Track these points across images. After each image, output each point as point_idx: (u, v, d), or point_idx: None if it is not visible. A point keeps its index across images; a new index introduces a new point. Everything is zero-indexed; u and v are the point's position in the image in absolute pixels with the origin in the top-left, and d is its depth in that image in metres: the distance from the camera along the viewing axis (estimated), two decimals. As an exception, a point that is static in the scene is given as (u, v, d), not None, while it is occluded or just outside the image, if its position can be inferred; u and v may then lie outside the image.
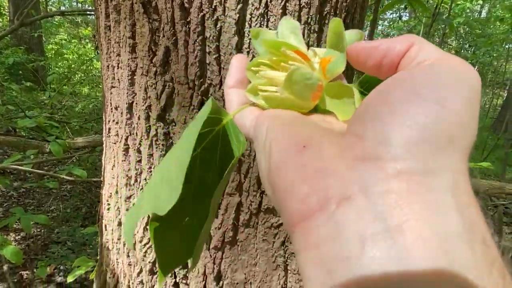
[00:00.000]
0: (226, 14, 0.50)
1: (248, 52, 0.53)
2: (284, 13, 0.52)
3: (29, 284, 1.72)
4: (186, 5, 0.49)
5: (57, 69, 6.03)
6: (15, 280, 1.71)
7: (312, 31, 0.56)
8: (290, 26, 0.27)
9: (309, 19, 0.54)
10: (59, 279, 1.78)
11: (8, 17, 5.87)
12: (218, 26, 0.51)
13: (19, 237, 2.16)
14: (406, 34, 0.20)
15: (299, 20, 0.53)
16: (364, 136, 0.17)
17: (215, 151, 0.28)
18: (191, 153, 0.22)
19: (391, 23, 8.24)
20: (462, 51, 7.92)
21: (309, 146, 0.18)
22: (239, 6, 0.50)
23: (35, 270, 1.76)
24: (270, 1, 0.51)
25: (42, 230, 2.23)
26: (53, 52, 6.54)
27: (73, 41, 7.37)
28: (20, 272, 1.79)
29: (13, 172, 2.97)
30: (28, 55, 5.27)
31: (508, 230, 2.97)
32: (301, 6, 0.53)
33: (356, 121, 0.18)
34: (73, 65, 6.32)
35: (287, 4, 0.52)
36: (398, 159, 0.15)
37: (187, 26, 0.51)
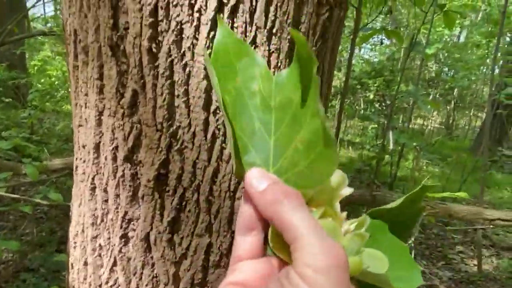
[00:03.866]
0: (195, 59, 0.50)
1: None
2: (253, 58, 0.52)
3: (-3, 314, 1.64)
4: (154, 50, 0.49)
5: (39, 85, 5.94)
6: (-18, 310, 1.63)
7: (282, 75, 0.56)
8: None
9: (279, 64, 0.55)
10: (29, 309, 1.70)
11: (-9, 33, 5.79)
12: (187, 70, 0.51)
13: (-11, 263, 2.08)
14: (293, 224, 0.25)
15: (268, 64, 0.54)
16: None
17: None
18: None
19: (373, 46, 8.48)
20: (442, 74, 8.17)
21: None
22: (208, 51, 0.50)
23: (3, 300, 1.68)
24: (239, 47, 0.52)
25: (15, 256, 2.14)
26: (36, 68, 6.46)
27: (57, 57, 7.31)
28: (-13, 302, 1.71)
29: (-13, 193, 2.87)
30: (9, 72, 5.18)
31: (487, 253, 3.00)
32: (271, 52, 0.53)
33: None
34: (56, 82, 6.25)
35: (256, 49, 0.52)
36: None
37: (155, 70, 0.50)
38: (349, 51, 1.54)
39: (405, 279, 0.31)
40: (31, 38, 6.11)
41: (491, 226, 2.28)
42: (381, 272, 0.28)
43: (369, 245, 0.29)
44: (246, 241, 0.28)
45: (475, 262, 2.78)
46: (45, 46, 7.40)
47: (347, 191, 0.30)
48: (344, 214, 0.30)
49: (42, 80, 6.34)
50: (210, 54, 0.31)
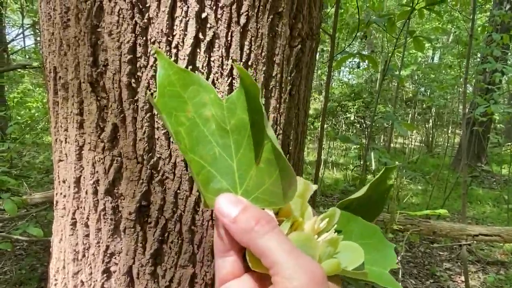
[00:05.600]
0: (173, 92, 0.52)
1: (196, 126, 0.54)
2: (231, 90, 0.54)
3: None
4: (134, 85, 0.51)
5: (19, 118, 5.85)
6: None
7: (259, 104, 0.58)
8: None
9: (255, 94, 0.57)
10: None
11: (-31, 67, 5.73)
12: (165, 103, 0.52)
13: (-36, 306, 1.97)
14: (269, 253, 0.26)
15: (245, 95, 0.56)
16: None
17: None
18: None
19: (351, 69, 8.74)
20: (419, 94, 8.44)
21: None
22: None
23: None
24: (217, 79, 0.54)
25: (-8, 296, 2.05)
26: (15, 101, 6.38)
27: (37, 89, 7.25)
28: None
29: (-38, 231, 2.75)
30: (-12, 105, 5.10)
31: (474, 269, 3.03)
32: (247, 82, 0.55)
33: None
34: (36, 114, 6.16)
35: (233, 81, 0.54)
36: None
37: (135, 104, 0.52)
38: (327, 76, 1.59)
39: (380, 259, 0.32)
40: (11, 71, 6.06)
41: (475, 241, 2.31)
42: (359, 263, 0.29)
43: (343, 237, 0.31)
44: (226, 263, 0.29)
45: (463, 278, 2.80)
46: (25, 78, 7.34)
47: (312, 188, 0.32)
48: (310, 210, 0.32)
49: (22, 112, 6.26)
50: (153, 94, 0.32)
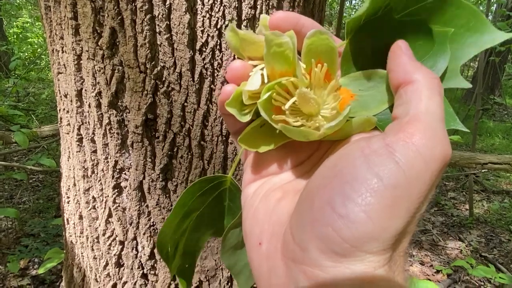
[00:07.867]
0: (175, -11, 0.46)
1: (202, 31, 0.50)
2: (238, -12, 0.49)
3: (3, 279, 1.67)
4: (130, -20, 0.45)
5: (21, 54, 5.73)
6: (-13, 276, 1.66)
7: (270, 7, 0.53)
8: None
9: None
10: (34, 272, 1.73)
11: (-37, 0, 5.50)
12: (167, 3, 0.47)
13: (-11, 231, 2.09)
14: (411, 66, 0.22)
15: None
16: (293, 240, 0.21)
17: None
18: None
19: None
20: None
21: (262, 243, 0.23)
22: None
23: (7, 265, 1.70)
24: (223, -25, 0.48)
25: (14, 223, 2.15)
26: (15, 36, 6.20)
27: (37, 24, 7.00)
28: (-9, 268, 1.73)
29: (-21, 165, 2.83)
30: (-13, 40, 4.97)
31: (478, 198, 3.08)
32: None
33: (293, 219, 0.22)
34: (38, 49, 6.03)
35: (241, -23, 0.48)
36: (314, 264, 0.19)
37: (133, 4, 0.47)
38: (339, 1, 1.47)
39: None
40: (7, 3, 5.81)
41: (483, 170, 2.31)
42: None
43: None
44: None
45: (467, 207, 2.86)
46: (23, 12, 7.06)
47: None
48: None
49: (24, 48, 6.12)
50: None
